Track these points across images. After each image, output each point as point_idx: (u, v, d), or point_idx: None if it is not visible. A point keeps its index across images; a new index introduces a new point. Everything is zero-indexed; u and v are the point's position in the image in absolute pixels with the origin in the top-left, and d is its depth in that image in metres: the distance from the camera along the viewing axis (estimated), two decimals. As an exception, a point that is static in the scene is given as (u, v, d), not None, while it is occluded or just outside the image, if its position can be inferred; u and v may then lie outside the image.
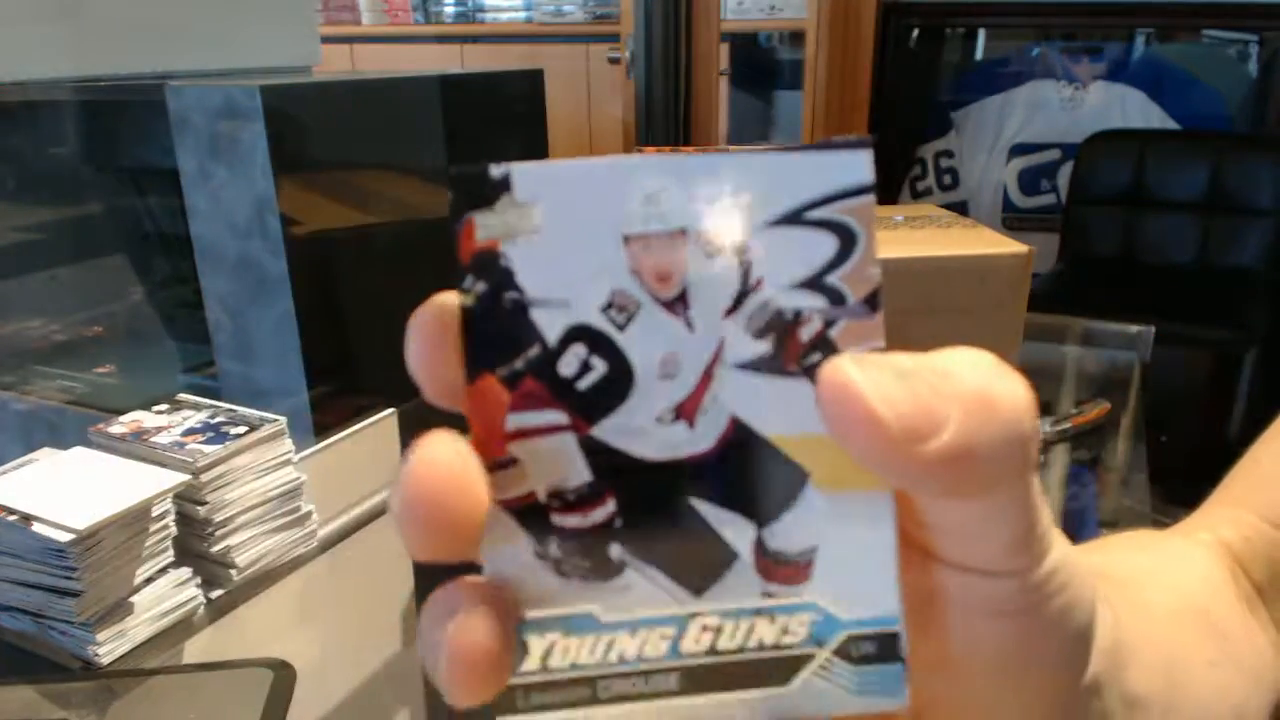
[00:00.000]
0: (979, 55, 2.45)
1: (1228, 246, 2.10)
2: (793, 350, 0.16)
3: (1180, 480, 0.89)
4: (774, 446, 0.16)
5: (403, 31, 2.69)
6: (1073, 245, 2.22)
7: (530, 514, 0.16)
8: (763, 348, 0.16)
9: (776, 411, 0.16)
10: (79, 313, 1.16)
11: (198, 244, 1.03)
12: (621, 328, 0.16)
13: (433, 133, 1.20)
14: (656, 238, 0.16)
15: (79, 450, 0.80)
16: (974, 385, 0.15)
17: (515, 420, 0.16)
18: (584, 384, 0.16)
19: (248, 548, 0.83)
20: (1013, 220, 2.35)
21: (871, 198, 0.16)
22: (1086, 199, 2.20)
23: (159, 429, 0.83)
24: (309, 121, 1.04)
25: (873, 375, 0.15)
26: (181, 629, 0.78)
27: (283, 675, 0.73)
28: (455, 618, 0.15)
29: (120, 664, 0.73)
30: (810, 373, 0.16)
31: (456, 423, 0.16)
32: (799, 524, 0.16)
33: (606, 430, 0.16)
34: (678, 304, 0.16)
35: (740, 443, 0.16)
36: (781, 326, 0.16)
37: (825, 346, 0.16)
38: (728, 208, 0.16)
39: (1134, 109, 2.27)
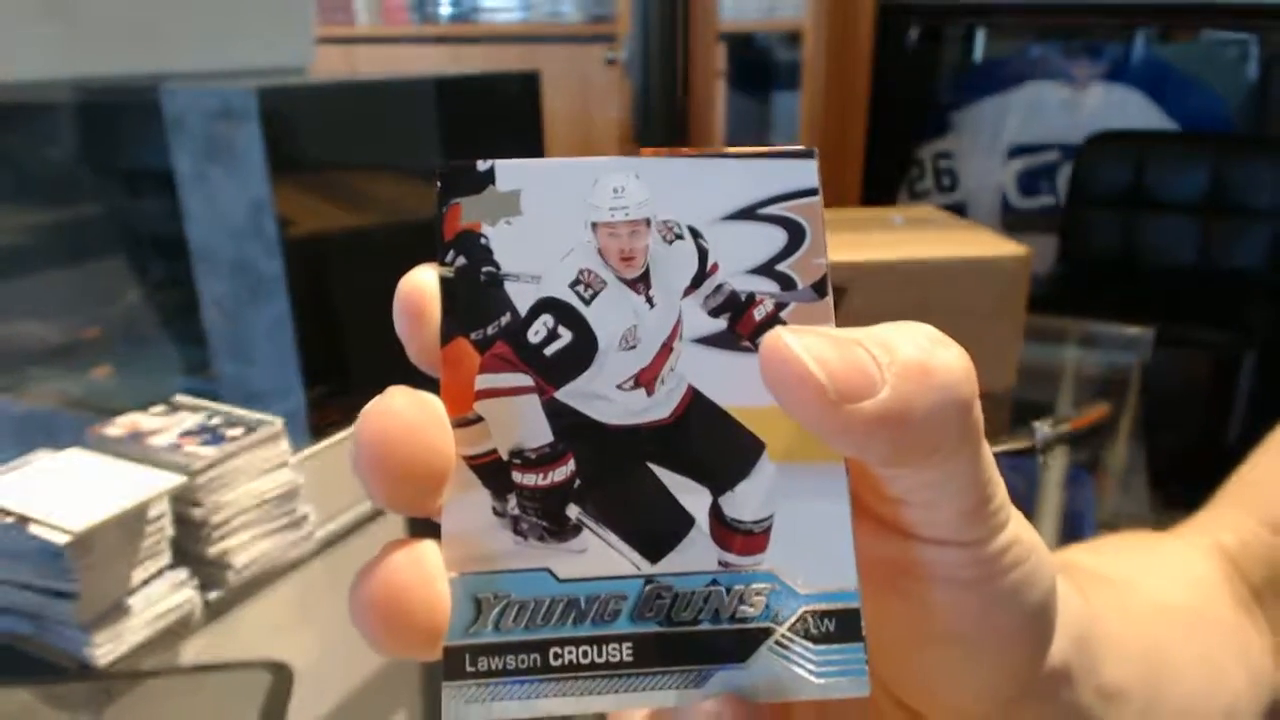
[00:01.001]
0: (977, 56, 2.45)
1: (1228, 248, 2.10)
2: (746, 327, 0.17)
3: (1179, 483, 0.89)
4: (730, 416, 0.17)
5: (398, 32, 2.68)
6: (1072, 247, 2.22)
7: (492, 471, 0.17)
8: (718, 325, 0.17)
9: (731, 384, 0.17)
10: (74, 314, 1.16)
11: (193, 246, 1.03)
12: (588, 302, 0.17)
13: (429, 134, 1.20)
14: (622, 225, 0.17)
15: (75, 452, 0.80)
16: (910, 352, 0.16)
17: (484, 381, 0.17)
18: (550, 350, 0.17)
19: (245, 549, 0.82)
20: (1012, 221, 2.34)
21: (818, 199, 0.18)
22: (1086, 200, 2.20)
23: (155, 431, 0.83)
24: (305, 123, 1.04)
25: (808, 340, 0.16)
26: (178, 630, 0.78)
27: (280, 677, 0.73)
28: (374, 562, 0.16)
29: (117, 666, 0.73)
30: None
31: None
32: (755, 493, 0.17)
33: (569, 394, 0.17)
34: (640, 283, 0.17)
35: (697, 411, 0.17)
36: (736, 306, 0.17)
37: (776, 325, 0.17)
38: (686, 202, 0.18)
39: (1133, 110, 2.26)
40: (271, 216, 0.97)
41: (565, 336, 0.17)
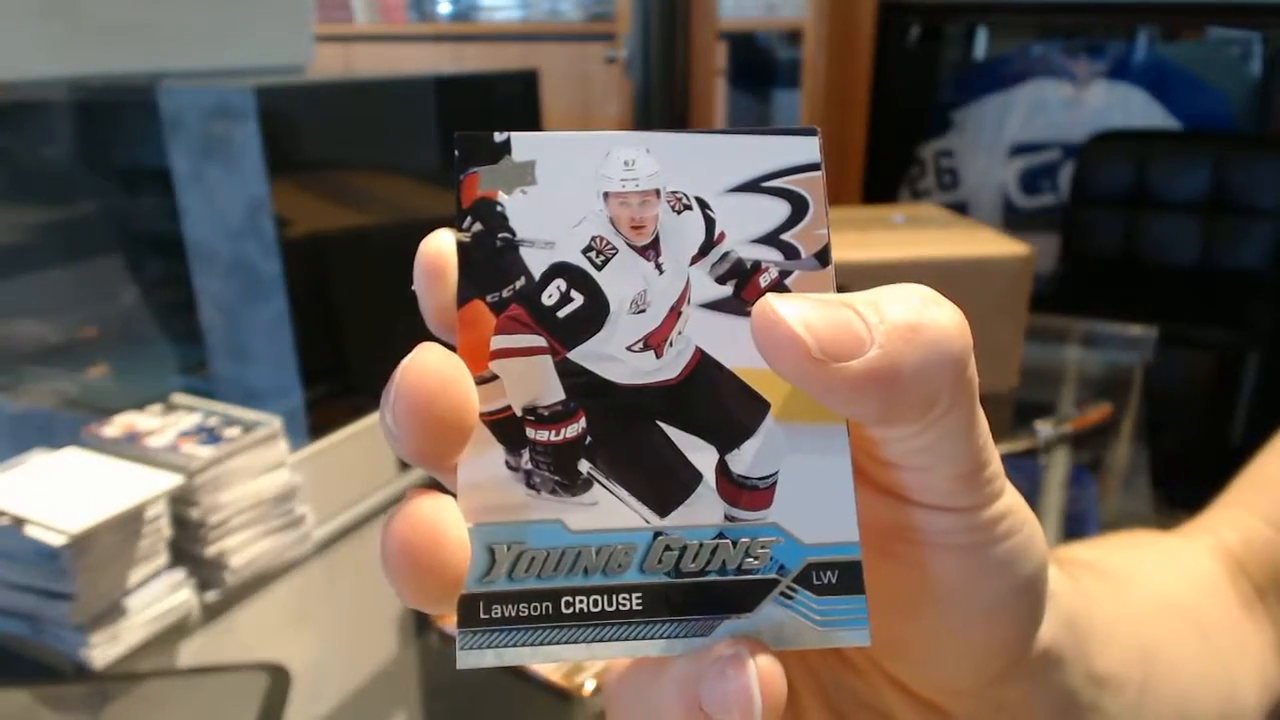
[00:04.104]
0: (979, 54, 2.44)
1: (1230, 247, 2.10)
2: (752, 293, 0.18)
3: (1182, 483, 0.88)
4: (736, 377, 0.18)
5: (397, 30, 2.68)
6: (1074, 246, 2.21)
7: (506, 427, 0.17)
8: (725, 291, 0.18)
9: (737, 347, 0.18)
10: (71, 313, 1.16)
11: (191, 245, 1.03)
12: (599, 267, 0.18)
13: (427, 133, 1.20)
14: (633, 195, 0.18)
15: (72, 452, 0.80)
16: (900, 311, 0.17)
17: (499, 341, 0.17)
18: (563, 313, 0.18)
19: (242, 550, 0.82)
20: (1013, 220, 2.34)
21: (820, 174, 0.18)
22: (1088, 199, 2.20)
23: (152, 430, 0.83)
24: (303, 122, 1.04)
25: (795, 304, 0.16)
26: (176, 632, 0.77)
27: (278, 678, 0.73)
28: (400, 509, 0.16)
29: (114, 667, 0.72)
30: None
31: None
32: (760, 450, 0.17)
33: (581, 355, 0.18)
34: (650, 250, 0.18)
35: (704, 373, 0.18)
36: (742, 273, 0.18)
37: (781, 291, 0.18)
38: (694, 175, 0.18)
39: (1136, 108, 2.26)
40: (269, 215, 0.97)
41: (577, 300, 0.18)
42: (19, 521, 0.70)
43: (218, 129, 0.97)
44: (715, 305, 0.18)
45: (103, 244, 1.15)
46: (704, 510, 0.17)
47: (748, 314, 0.17)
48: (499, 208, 0.18)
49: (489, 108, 1.31)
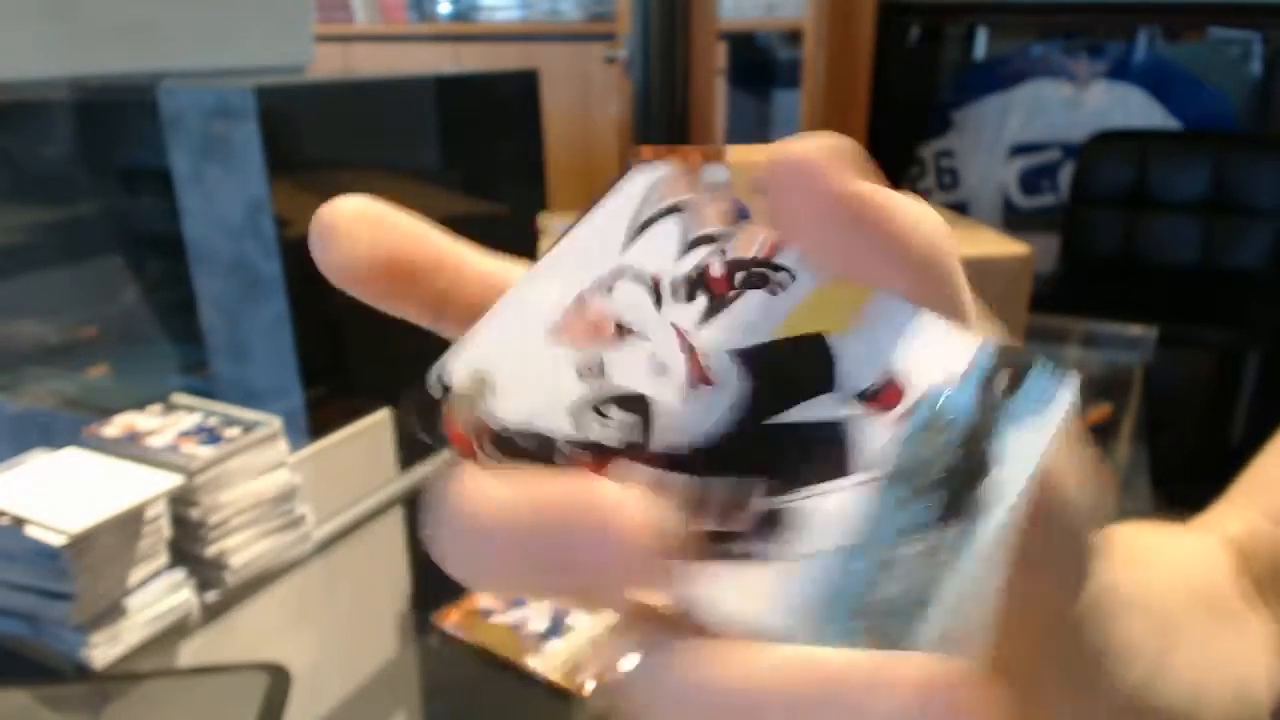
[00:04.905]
0: (979, 54, 2.44)
1: (1230, 247, 2.10)
2: (720, 285, 0.17)
3: (1182, 483, 0.88)
4: (784, 340, 0.17)
5: (397, 31, 2.69)
6: (1074, 246, 2.21)
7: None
8: (702, 302, 0.18)
9: (757, 323, 0.17)
10: (71, 313, 1.16)
11: (191, 245, 1.03)
12: (601, 414, 0.17)
13: (428, 133, 1.20)
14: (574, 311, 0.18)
15: (72, 452, 0.80)
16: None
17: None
18: (608, 439, 0.17)
19: (242, 550, 0.82)
20: (1013, 220, 2.34)
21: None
22: (1088, 199, 2.20)
23: (153, 430, 0.83)
24: (303, 122, 1.04)
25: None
26: (176, 632, 0.77)
27: (278, 679, 0.73)
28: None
29: (114, 668, 0.72)
30: (749, 285, 0.17)
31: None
32: (859, 371, 0.17)
33: (658, 443, 0.17)
34: (623, 334, 0.18)
35: (758, 357, 0.17)
36: (698, 280, 0.18)
37: (736, 263, 0.17)
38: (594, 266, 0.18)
39: (1136, 108, 2.26)
40: (269, 215, 0.97)
41: (614, 419, 0.17)
42: (19, 521, 0.70)
43: (218, 129, 0.97)
44: (709, 316, 0.18)
45: (103, 244, 1.16)
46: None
47: (734, 298, 0.17)
48: (480, 418, 0.17)
49: (489, 108, 1.31)
